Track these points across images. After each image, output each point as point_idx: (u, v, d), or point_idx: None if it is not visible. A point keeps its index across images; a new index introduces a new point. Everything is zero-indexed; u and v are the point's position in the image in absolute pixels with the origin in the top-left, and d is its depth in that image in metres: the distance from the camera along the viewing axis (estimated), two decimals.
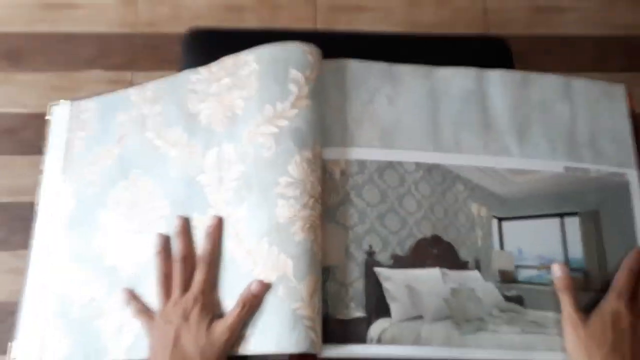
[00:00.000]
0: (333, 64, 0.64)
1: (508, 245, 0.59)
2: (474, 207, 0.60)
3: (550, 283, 0.58)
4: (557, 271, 0.57)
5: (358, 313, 0.55)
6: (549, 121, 0.64)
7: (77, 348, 0.60)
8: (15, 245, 1.13)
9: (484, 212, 0.60)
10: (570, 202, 0.61)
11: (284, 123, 0.58)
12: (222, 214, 0.58)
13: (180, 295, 0.55)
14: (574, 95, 0.65)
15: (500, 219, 0.60)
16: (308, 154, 0.57)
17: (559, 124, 0.64)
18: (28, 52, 1.28)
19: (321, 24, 1.31)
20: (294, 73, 0.60)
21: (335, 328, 0.54)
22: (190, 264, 0.57)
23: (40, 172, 0.69)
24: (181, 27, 1.28)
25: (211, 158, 0.60)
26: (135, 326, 0.58)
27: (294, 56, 0.60)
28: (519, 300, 0.58)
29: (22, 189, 1.17)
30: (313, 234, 0.55)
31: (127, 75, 1.26)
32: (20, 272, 0.66)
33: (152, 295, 0.58)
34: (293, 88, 0.59)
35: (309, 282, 0.53)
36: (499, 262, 0.59)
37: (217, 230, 0.57)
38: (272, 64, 0.60)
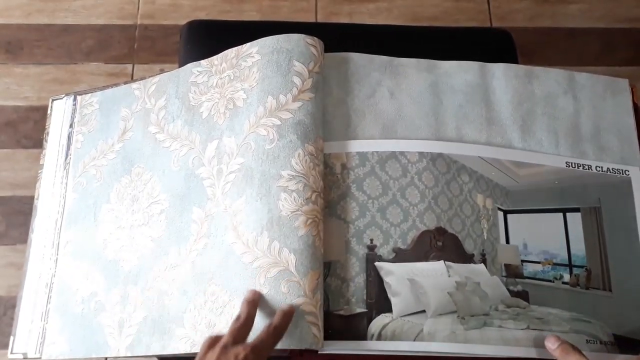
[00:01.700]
0: (335, 57, 0.63)
1: (513, 239, 0.59)
2: (479, 199, 0.60)
3: (554, 280, 0.58)
4: (552, 345, 0.54)
5: (359, 309, 0.55)
6: (552, 115, 0.63)
7: (78, 343, 0.60)
8: (15, 239, 1.13)
9: (489, 203, 0.60)
10: (572, 197, 0.61)
11: (287, 116, 0.57)
12: (221, 206, 0.57)
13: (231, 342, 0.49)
14: (577, 90, 0.65)
15: (505, 212, 0.60)
16: (311, 147, 0.57)
17: (563, 119, 0.63)
18: (27, 44, 1.27)
19: (322, 16, 1.30)
20: (298, 65, 0.59)
21: (336, 324, 0.54)
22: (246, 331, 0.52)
23: (40, 166, 0.69)
24: (181, 19, 1.28)
25: (211, 151, 0.60)
26: (135, 322, 0.58)
27: (297, 48, 0.60)
28: (524, 296, 0.57)
29: (21, 182, 1.17)
30: (315, 228, 0.54)
31: (127, 67, 1.25)
32: (19, 266, 0.66)
33: (153, 289, 0.58)
34: (296, 81, 0.58)
35: (311, 278, 0.53)
36: (505, 256, 0.58)
37: (255, 301, 0.52)
38: (275, 56, 0.60)
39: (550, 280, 0.58)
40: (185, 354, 0.55)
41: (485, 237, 0.59)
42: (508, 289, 0.58)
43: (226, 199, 0.57)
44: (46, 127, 0.70)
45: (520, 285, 0.58)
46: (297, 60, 0.59)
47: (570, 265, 0.59)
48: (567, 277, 0.59)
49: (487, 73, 0.65)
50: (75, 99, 0.70)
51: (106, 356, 0.59)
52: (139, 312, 0.58)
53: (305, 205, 0.55)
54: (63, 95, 0.71)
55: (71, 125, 0.69)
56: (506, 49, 0.78)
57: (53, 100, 0.71)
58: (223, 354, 0.48)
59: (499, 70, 0.65)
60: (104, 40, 1.27)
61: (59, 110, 0.70)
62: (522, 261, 0.59)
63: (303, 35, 0.61)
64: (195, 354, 0.54)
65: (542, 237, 0.59)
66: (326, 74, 0.62)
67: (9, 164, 1.18)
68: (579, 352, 0.52)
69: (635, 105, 0.65)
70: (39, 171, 0.68)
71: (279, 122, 0.57)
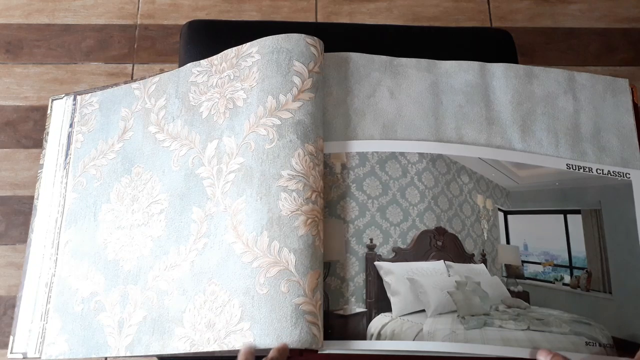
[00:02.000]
0: (335, 57, 0.63)
1: (514, 240, 0.59)
2: (480, 199, 0.60)
3: (555, 281, 0.58)
4: (543, 358, 0.53)
5: (358, 308, 0.55)
6: (552, 115, 0.63)
7: (78, 343, 0.60)
8: (15, 239, 1.13)
9: (489, 204, 0.60)
10: (573, 199, 0.61)
11: (287, 115, 0.57)
12: (220, 205, 0.57)
13: None
14: (577, 90, 0.65)
15: (505, 212, 0.60)
16: (311, 147, 0.57)
17: (563, 119, 0.63)
18: (27, 44, 1.27)
19: (322, 16, 1.30)
20: (298, 65, 0.59)
21: (335, 323, 0.54)
22: None
23: (40, 166, 0.69)
24: (181, 19, 1.28)
25: (211, 150, 0.60)
26: (135, 322, 0.58)
27: (297, 48, 0.60)
28: (524, 296, 0.57)
29: (21, 182, 1.17)
30: (315, 228, 0.54)
31: (127, 67, 1.25)
32: (19, 266, 0.66)
33: (153, 289, 0.58)
34: (296, 80, 0.58)
35: (311, 277, 0.53)
36: (505, 256, 0.58)
37: (252, 353, 0.52)
38: (275, 56, 0.60)
39: (550, 282, 0.58)
40: (184, 353, 0.55)
41: (486, 238, 0.59)
42: (508, 290, 0.58)
43: (226, 199, 0.57)
44: (46, 127, 0.70)
45: (521, 286, 0.58)
46: (297, 60, 0.59)
47: (570, 267, 0.59)
48: (567, 278, 0.59)
49: (487, 73, 0.65)
50: (75, 99, 0.70)
51: (106, 356, 0.59)
52: (138, 312, 0.58)
53: (305, 205, 0.55)
54: (63, 95, 0.71)
55: (71, 125, 0.69)
56: (506, 49, 0.78)
57: (53, 100, 0.71)
58: None
59: (499, 70, 0.65)
60: (104, 40, 1.28)
61: (59, 110, 0.70)
62: (523, 262, 0.59)
63: (303, 35, 0.61)
64: (194, 353, 0.54)
65: (543, 238, 0.59)
66: (326, 74, 0.62)
67: (9, 164, 1.18)
68: None
69: (635, 105, 0.65)
70: (39, 171, 0.68)
71: (279, 122, 0.57)
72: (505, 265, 0.58)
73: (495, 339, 0.54)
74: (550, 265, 0.59)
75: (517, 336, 0.55)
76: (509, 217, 0.60)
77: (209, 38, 0.76)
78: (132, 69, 1.24)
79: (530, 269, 0.58)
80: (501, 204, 0.60)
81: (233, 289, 0.54)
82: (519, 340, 0.55)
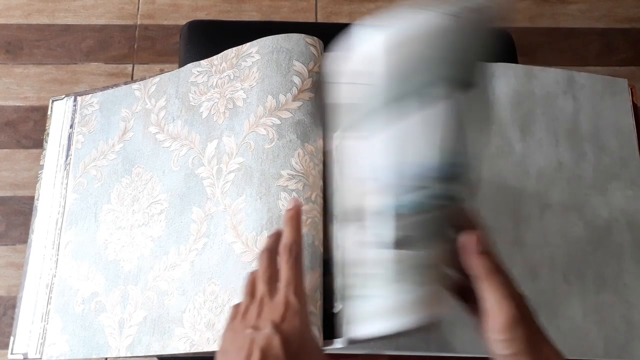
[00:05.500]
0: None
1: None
2: None
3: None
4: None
5: None
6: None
7: (78, 343, 0.60)
8: (15, 239, 1.13)
9: None
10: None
11: (286, 115, 0.57)
12: (220, 205, 0.57)
13: (267, 293, 0.42)
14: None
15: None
16: (311, 147, 0.57)
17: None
18: (27, 44, 1.27)
19: (322, 16, 1.30)
20: (298, 65, 0.59)
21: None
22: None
23: (40, 166, 0.69)
24: (181, 19, 1.29)
25: (211, 150, 0.60)
26: (135, 322, 0.58)
27: (297, 48, 0.60)
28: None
29: (21, 182, 1.17)
30: (315, 228, 0.54)
31: (127, 67, 1.25)
32: (19, 266, 0.66)
33: (153, 289, 0.58)
34: (296, 80, 0.59)
35: (311, 277, 0.53)
36: None
37: (298, 216, 0.46)
38: (275, 55, 0.60)
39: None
40: (184, 353, 0.55)
41: None
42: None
43: (226, 199, 0.57)
44: (46, 127, 0.70)
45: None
46: (297, 60, 0.59)
47: None
48: None
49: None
50: (75, 100, 0.70)
51: (106, 356, 0.59)
52: (139, 312, 0.58)
53: (305, 204, 0.55)
54: (63, 96, 0.71)
55: (71, 126, 0.69)
56: (506, 49, 0.78)
57: (53, 101, 0.71)
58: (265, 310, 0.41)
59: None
60: (104, 40, 1.28)
61: (59, 111, 0.70)
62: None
63: (303, 35, 0.61)
64: (195, 353, 0.55)
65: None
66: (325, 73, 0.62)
67: (9, 164, 1.19)
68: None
69: (634, 105, 0.66)
70: (39, 172, 0.68)
71: (278, 122, 0.57)
72: None
73: None
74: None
75: None
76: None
77: (209, 38, 0.76)
78: (132, 69, 1.24)
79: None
80: None
81: (233, 289, 0.54)
82: None
